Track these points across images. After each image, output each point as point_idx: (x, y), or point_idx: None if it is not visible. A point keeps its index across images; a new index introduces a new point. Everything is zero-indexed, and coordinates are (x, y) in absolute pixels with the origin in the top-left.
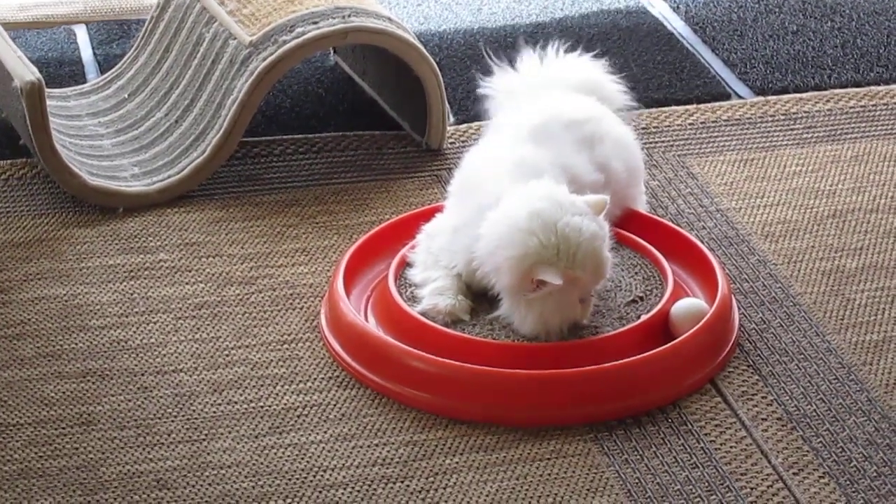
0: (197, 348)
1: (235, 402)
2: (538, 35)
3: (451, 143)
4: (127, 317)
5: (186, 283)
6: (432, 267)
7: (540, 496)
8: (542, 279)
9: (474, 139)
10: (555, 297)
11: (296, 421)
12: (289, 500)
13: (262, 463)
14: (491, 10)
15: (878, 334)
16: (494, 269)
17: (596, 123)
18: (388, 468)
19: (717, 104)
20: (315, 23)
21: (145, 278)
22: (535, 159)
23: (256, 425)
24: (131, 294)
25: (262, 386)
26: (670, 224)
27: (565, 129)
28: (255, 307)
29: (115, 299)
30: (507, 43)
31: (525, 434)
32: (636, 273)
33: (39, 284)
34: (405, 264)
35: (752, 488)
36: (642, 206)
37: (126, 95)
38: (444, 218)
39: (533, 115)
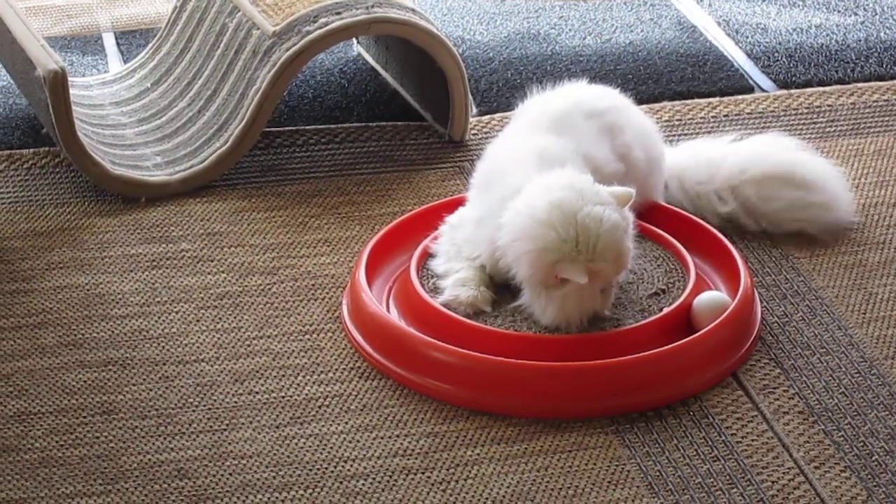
0: (218, 338)
1: (257, 392)
2: (558, 25)
3: (473, 135)
4: (149, 306)
5: (208, 273)
6: (455, 258)
7: (561, 488)
8: (564, 277)
9: (497, 131)
10: (575, 289)
11: (317, 411)
12: (309, 491)
13: (282, 453)
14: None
15: None
16: (515, 260)
17: (617, 113)
18: (409, 459)
19: (740, 97)
20: (338, 13)
21: (167, 268)
22: (557, 149)
23: (277, 415)
24: (153, 284)
25: (283, 376)
26: (693, 216)
27: (586, 119)
28: (277, 297)
29: (136, 289)
30: (530, 34)
31: (546, 426)
32: (658, 265)
33: (61, 273)
34: (427, 255)
35: (773, 482)
36: (660, 198)
37: (149, 85)
38: (468, 209)
39: (554, 104)
